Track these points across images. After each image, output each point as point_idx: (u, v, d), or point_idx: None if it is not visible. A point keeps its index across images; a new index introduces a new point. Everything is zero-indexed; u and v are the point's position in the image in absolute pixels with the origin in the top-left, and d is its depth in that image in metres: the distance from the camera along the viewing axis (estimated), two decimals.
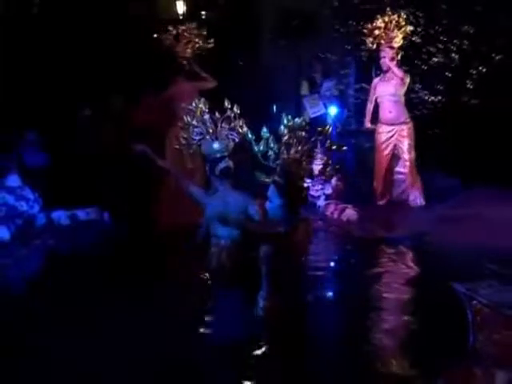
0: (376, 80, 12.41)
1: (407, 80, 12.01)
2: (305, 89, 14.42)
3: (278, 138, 7.62)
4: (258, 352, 5.99)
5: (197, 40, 12.78)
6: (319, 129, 8.11)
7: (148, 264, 8.57)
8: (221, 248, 7.42)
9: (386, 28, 11.88)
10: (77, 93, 14.08)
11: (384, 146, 12.20)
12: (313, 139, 7.88)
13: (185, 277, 8.23)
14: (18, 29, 14.09)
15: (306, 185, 8.62)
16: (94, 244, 10.08)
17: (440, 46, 14.10)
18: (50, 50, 14.11)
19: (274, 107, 12.86)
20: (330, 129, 8.42)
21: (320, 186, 11.89)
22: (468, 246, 9.07)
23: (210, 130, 7.52)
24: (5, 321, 6.76)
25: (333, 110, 13.71)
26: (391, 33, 11.86)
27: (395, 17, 11.87)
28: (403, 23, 11.89)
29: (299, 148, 7.65)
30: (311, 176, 11.34)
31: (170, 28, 12.81)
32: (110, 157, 12.91)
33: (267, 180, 7.60)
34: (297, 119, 7.70)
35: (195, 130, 7.58)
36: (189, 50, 12.73)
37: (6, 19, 13.89)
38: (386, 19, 11.88)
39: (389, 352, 6.14)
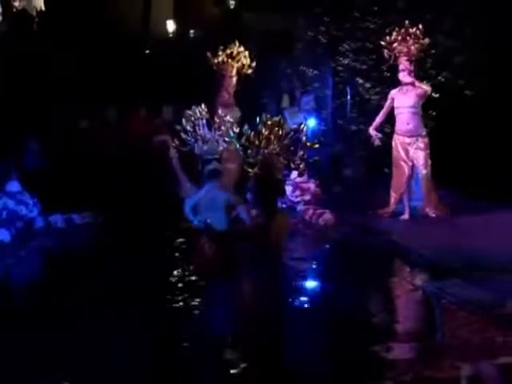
0: (394, 91, 11.52)
1: (429, 92, 11.34)
2: (285, 102, 14.47)
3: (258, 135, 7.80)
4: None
5: (243, 59, 12.71)
6: (295, 126, 8.16)
7: (135, 262, 8.55)
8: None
9: (402, 41, 11.18)
10: (76, 105, 14.11)
11: (401, 157, 11.32)
12: (290, 135, 7.95)
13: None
14: (24, 45, 14.12)
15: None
16: (88, 245, 10.05)
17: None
18: (54, 65, 14.17)
19: (257, 119, 12.83)
20: (305, 127, 8.34)
21: (299, 192, 11.89)
22: (435, 247, 9.07)
23: (202, 134, 7.85)
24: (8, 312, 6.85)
25: (311, 122, 13.73)
26: (408, 46, 11.15)
27: (413, 30, 11.14)
28: (421, 36, 11.15)
29: (277, 143, 7.79)
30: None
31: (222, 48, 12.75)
32: (105, 164, 12.94)
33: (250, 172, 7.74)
34: (275, 117, 7.83)
35: (189, 133, 7.94)
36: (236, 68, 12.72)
37: (13, 36, 13.89)
38: (403, 32, 11.19)
39: (357, 346, 6.10)
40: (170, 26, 18.95)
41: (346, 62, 14.55)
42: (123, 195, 11.76)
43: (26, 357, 5.65)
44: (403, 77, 11.17)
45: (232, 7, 18.67)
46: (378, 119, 11.72)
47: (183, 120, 8.08)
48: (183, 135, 8.07)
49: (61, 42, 14.61)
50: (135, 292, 7.31)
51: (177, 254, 9.35)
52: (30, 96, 13.41)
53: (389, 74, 13.93)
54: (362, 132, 14.23)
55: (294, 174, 12.07)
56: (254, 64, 12.76)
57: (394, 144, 11.36)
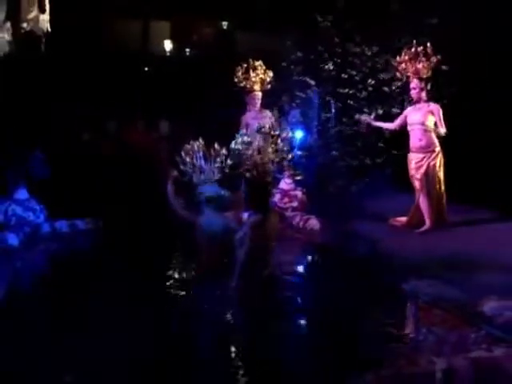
0: (409, 108, 10.99)
1: (440, 111, 10.58)
2: (275, 115, 14.44)
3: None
4: None
5: (264, 74, 12.62)
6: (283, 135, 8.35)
7: (135, 264, 8.68)
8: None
9: (412, 60, 10.69)
10: (79, 119, 14.17)
11: (414, 173, 10.74)
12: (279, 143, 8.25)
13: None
14: (31, 63, 14.14)
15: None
16: (91, 249, 10.14)
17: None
18: (59, 81, 14.21)
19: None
20: (290, 134, 8.57)
21: (287, 199, 11.90)
22: (415, 250, 9.12)
23: (199, 166, 8.24)
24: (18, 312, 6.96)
25: (298, 134, 13.72)
26: (418, 64, 10.63)
27: (421, 49, 10.61)
28: (431, 54, 10.58)
29: (268, 150, 8.12)
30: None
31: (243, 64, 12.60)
32: (105, 173, 12.95)
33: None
34: (266, 127, 8.28)
35: (188, 164, 8.26)
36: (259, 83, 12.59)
37: (21, 55, 13.92)
38: (412, 52, 10.69)
39: (339, 343, 6.12)
40: (168, 45, 18.97)
41: (330, 79, 14.60)
42: (123, 202, 11.78)
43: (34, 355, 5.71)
44: (414, 94, 10.79)
45: (225, 28, 18.72)
46: (384, 124, 11.53)
47: (182, 153, 8.35)
48: (182, 166, 8.35)
49: (65, 60, 14.64)
50: (135, 291, 7.40)
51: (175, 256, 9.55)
52: (37, 111, 13.44)
53: (371, 89, 14.03)
54: (345, 143, 14.30)
55: (283, 182, 12.12)
56: (272, 78, 12.70)
57: (408, 162, 10.85)
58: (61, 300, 7.25)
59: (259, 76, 12.54)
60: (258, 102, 12.60)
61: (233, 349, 6.18)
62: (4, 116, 12.76)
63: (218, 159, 8.27)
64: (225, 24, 18.77)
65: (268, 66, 12.65)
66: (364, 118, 11.73)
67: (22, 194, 10.79)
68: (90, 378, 5.35)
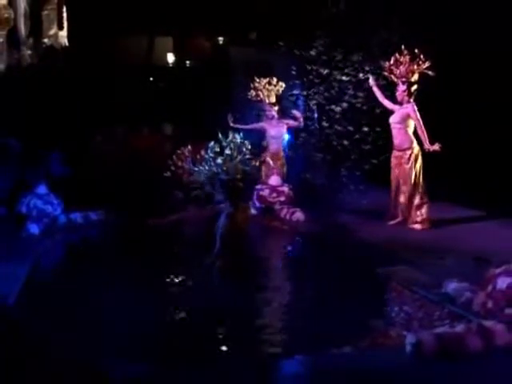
0: (397, 107, 10.48)
1: (412, 114, 10.21)
2: None
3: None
4: None
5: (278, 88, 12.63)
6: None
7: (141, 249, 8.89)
8: None
9: (397, 65, 10.31)
10: (92, 124, 14.24)
11: (392, 169, 10.52)
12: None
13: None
14: (51, 74, 14.22)
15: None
16: (102, 237, 10.28)
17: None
18: (75, 91, 14.29)
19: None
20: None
21: (275, 194, 11.91)
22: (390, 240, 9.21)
23: (188, 168, 8.76)
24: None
25: (285, 136, 13.69)
26: (403, 69, 10.22)
27: (407, 55, 10.21)
28: (417, 59, 10.16)
29: (239, 157, 8.52)
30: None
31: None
32: (115, 171, 13.00)
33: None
34: (236, 138, 8.61)
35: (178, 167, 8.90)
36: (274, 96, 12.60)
37: (42, 67, 13.99)
38: (399, 57, 10.30)
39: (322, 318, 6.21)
40: (170, 57, 18.99)
41: (314, 86, 14.62)
42: (130, 196, 11.84)
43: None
44: (398, 96, 10.42)
45: (220, 42, 18.76)
46: (379, 94, 10.95)
47: (174, 157, 8.92)
48: (173, 168, 8.90)
49: (81, 72, 14.67)
50: (142, 272, 7.64)
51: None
52: (56, 117, 13.51)
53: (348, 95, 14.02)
54: (328, 144, 14.29)
55: (272, 179, 12.14)
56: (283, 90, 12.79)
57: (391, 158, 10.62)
58: (77, 281, 7.44)
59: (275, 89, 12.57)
60: (275, 112, 12.58)
61: None
62: (27, 121, 12.83)
63: (204, 163, 8.50)
64: (220, 39, 18.78)
65: (257, 75, 12.67)
66: (372, 82, 11.04)
67: (42, 189, 10.83)
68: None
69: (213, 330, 5.94)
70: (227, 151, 8.33)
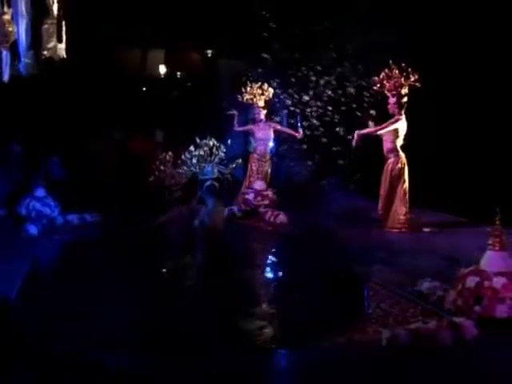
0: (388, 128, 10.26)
1: (397, 126, 10.14)
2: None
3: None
4: None
5: (268, 94, 12.64)
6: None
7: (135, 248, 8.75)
8: None
9: (386, 79, 10.14)
10: (89, 130, 14.21)
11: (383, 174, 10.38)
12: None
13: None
14: (50, 84, 14.19)
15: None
16: (97, 237, 10.15)
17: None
18: (73, 99, 14.25)
19: (229, 140, 12.96)
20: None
21: (260, 198, 11.87)
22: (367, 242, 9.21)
23: (169, 172, 8.80)
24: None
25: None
26: (393, 83, 10.06)
27: (396, 69, 10.03)
28: (406, 74, 10.00)
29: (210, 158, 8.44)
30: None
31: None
32: (110, 174, 12.96)
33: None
34: (210, 141, 8.50)
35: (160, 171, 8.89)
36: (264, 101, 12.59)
37: (41, 77, 13.96)
38: (388, 72, 10.12)
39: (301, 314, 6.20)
40: (162, 69, 18.94)
41: (295, 95, 14.70)
42: (124, 199, 11.81)
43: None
44: (389, 109, 10.30)
45: (209, 55, 18.75)
46: (367, 130, 10.58)
47: (157, 162, 8.93)
48: (156, 172, 8.88)
49: (78, 82, 14.64)
50: (137, 271, 7.55)
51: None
52: (54, 124, 13.45)
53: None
54: (309, 148, 14.32)
55: (257, 183, 12.13)
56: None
57: None
58: (74, 279, 7.44)
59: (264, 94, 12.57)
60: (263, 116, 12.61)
61: None
62: (27, 127, 12.79)
63: (185, 167, 8.45)
64: (209, 52, 18.78)
65: (243, 85, 12.67)
66: (356, 136, 10.59)
67: (41, 191, 10.78)
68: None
69: (199, 326, 5.88)
70: (201, 152, 8.31)
